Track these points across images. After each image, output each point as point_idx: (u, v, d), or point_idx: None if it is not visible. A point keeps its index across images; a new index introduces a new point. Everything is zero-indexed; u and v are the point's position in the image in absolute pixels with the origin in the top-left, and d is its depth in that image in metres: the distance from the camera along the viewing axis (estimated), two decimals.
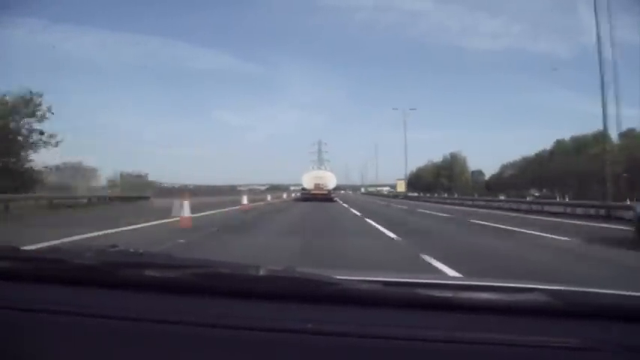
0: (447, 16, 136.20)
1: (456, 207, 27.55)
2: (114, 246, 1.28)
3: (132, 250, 1.24)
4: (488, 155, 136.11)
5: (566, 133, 54.50)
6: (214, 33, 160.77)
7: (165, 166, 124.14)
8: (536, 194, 42.19)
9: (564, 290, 1.00)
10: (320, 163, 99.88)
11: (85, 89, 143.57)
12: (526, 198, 30.34)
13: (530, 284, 1.05)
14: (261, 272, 0.97)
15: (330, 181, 37.31)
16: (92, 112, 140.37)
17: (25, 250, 1.26)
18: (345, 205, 27.58)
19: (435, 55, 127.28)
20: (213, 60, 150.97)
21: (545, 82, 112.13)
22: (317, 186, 36.08)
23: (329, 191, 35.85)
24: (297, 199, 37.45)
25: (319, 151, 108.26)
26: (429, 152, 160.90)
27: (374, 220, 13.94)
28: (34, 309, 0.88)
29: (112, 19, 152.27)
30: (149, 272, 0.98)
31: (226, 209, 19.01)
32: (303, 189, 37.60)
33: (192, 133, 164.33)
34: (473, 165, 73.40)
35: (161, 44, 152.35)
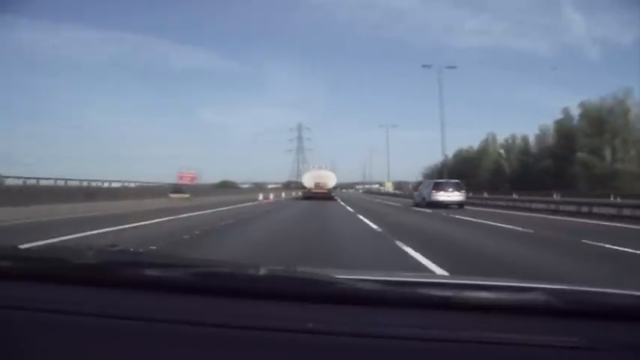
0: (430, 13, 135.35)
1: None
2: (114, 245, 1.28)
3: (132, 249, 1.24)
4: None
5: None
6: (195, 30, 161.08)
7: (144, 165, 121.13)
8: None
9: (564, 290, 1.00)
10: (300, 151, 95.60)
11: (64, 87, 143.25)
12: None
13: (531, 283, 1.05)
14: (261, 272, 0.97)
15: (330, 180, 37.96)
16: (70, 111, 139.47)
17: (25, 250, 1.26)
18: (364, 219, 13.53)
19: (419, 52, 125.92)
20: (195, 57, 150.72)
21: (531, 80, 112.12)
22: (317, 185, 36.71)
23: (329, 190, 36.50)
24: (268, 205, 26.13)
25: (299, 138, 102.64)
26: (422, 151, 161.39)
27: None
28: (34, 308, 0.88)
29: (92, 16, 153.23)
30: (149, 272, 0.98)
31: None
32: (304, 188, 38.48)
33: (172, 131, 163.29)
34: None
35: (141, 41, 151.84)
